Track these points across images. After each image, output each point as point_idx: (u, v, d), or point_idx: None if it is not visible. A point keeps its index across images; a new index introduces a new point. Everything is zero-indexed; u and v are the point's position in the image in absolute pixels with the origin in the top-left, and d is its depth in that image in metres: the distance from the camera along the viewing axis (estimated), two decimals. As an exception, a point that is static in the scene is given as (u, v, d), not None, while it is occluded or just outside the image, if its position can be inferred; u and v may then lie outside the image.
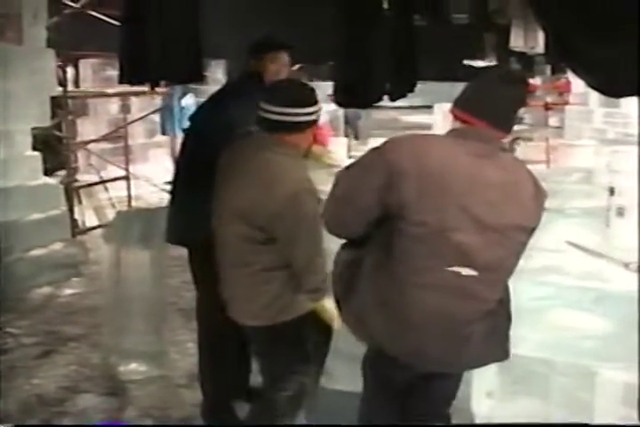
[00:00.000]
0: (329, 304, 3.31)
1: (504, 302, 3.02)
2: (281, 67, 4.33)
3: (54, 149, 9.03)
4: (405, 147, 2.84)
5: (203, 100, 4.79)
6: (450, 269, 2.78)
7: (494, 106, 2.84)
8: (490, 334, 2.95)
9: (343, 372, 3.87)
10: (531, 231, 2.86)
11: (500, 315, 3.01)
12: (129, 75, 5.38)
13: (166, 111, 11.93)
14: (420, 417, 3.27)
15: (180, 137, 11.94)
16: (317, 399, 3.81)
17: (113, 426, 4.37)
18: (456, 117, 2.90)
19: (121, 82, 5.62)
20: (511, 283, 3.51)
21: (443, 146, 2.85)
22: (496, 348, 3.04)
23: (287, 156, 3.34)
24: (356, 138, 15.24)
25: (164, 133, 12.53)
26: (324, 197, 3.09)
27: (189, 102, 11.88)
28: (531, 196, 2.84)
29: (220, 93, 4.45)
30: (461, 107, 2.89)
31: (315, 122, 3.43)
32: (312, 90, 3.50)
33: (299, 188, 3.23)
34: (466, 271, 2.78)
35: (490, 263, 2.81)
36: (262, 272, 3.37)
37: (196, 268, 4.31)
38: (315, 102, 3.41)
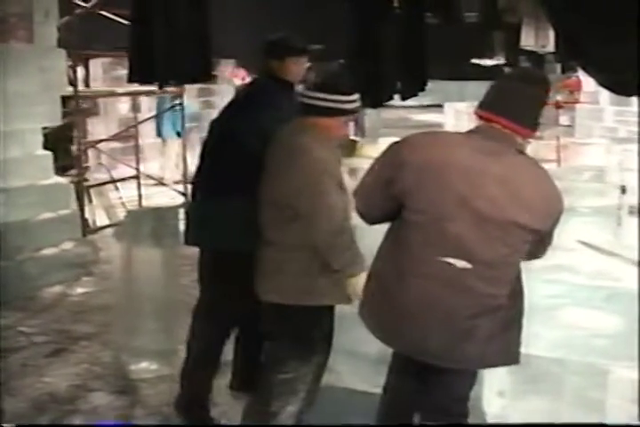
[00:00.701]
0: (357, 280, 3.40)
1: (517, 303, 3.02)
2: (302, 68, 4.38)
3: (65, 148, 9.05)
4: (412, 140, 3.00)
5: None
6: (444, 259, 2.84)
7: (515, 103, 2.90)
8: (498, 334, 2.96)
9: (349, 369, 3.87)
10: (535, 232, 2.86)
11: (512, 316, 3.01)
12: (138, 74, 5.40)
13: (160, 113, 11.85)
14: (429, 414, 3.30)
15: (170, 139, 11.95)
16: (323, 397, 3.81)
17: (113, 426, 4.37)
18: (480, 118, 2.97)
19: (130, 81, 5.64)
20: (522, 281, 3.53)
21: (450, 140, 3.00)
22: (504, 349, 3.02)
23: (315, 137, 3.52)
24: (362, 136, 15.21)
25: (159, 135, 12.42)
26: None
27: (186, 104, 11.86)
28: (540, 198, 2.84)
29: (245, 97, 4.41)
30: (484, 106, 2.97)
31: (346, 111, 3.61)
32: (348, 81, 3.79)
33: (319, 167, 3.41)
34: (460, 264, 2.83)
35: (487, 258, 2.84)
36: (286, 251, 3.53)
37: (204, 269, 4.37)
38: (347, 93, 3.59)
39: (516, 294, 3.03)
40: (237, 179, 4.13)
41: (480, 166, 2.82)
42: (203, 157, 4.44)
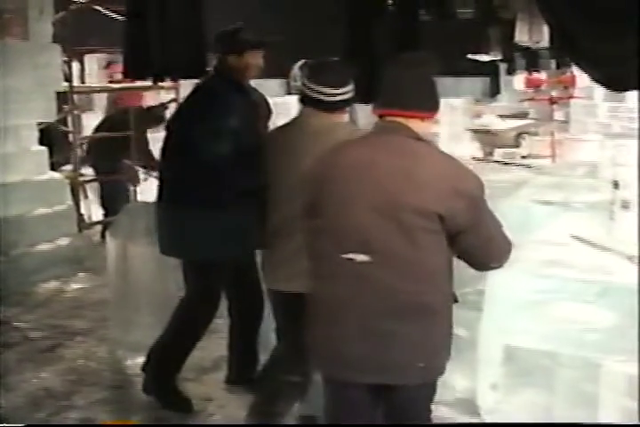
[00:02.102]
0: None
1: (443, 310, 2.89)
2: (260, 63, 4.35)
3: (60, 143, 9.04)
4: (315, 162, 3.03)
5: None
6: (345, 256, 2.78)
7: (399, 92, 2.89)
8: (423, 342, 2.83)
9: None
10: (434, 216, 2.72)
11: (441, 323, 2.90)
12: (133, 70, 5.40)
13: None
14: None
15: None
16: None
17: (113, 426, 4.39)
18: (379, 116, 2.96)
19: (125, 77, 5.64)
20: (515, 276, 3.55)
21: (343, 145, 3.02)
22: (418, 361, 2.85)
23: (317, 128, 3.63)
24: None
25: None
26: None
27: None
28: (434, 179, 2.74)
29: (199, 95, 4.38)
30: (376, 105, 2.98)
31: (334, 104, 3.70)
32: (338, 73, 3.82)
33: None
34: (360, 257, 2.77)
35: (386, 248, 2.75)
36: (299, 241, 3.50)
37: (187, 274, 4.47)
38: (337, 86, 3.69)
39: (444, 298, 2.90)
40: (198, 186, 4.17)
41: (370, 158, 2.81)
42: (163, 159, 4.44)
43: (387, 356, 2.80)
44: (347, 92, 3.73)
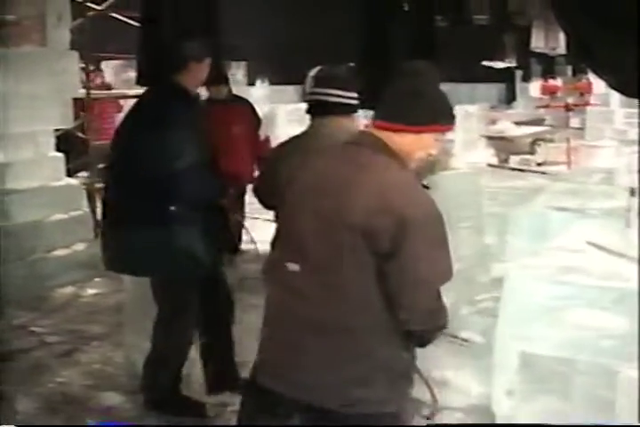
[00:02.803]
0: None
1: (372, 340, 2.58)
2: (206, 72, 4.34)
3: (77, 149, 9.09)
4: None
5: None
6: (285, 263, 2.63)
7: (378, 102, 2.73)
8: (341, 367, 2.57)
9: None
10: (357, 232, 2.48)
11: (365, 352, 2.57)
12: (147, 76, 5.43)
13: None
14: None
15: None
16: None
17: (114, 426, 4.40)
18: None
19: (139, 83, 5.67)
20: (531, 282, 3.55)
21: (316, 150, 2.88)
22: (349, 386, 2.58)
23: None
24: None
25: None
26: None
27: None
28: (372, 194, 2.49)
29: (148, 112, 4.25)
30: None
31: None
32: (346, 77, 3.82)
33: None
34: (292, 267, 2.61)
35: (314, 257, 2.56)
36: None
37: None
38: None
39: (376, 328, 2.57)
40: (144, 205, 4.15)
41: (324, 166, 2.68)
42: (110, 177, 4.47)
43: (305, 373, 2.60)
44: (354, 97, 3.71)
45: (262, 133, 7.44)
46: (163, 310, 4.46)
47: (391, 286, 2.50)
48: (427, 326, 2.61)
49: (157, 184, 4.07)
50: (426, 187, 2.80)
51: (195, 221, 4.19)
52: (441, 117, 2.71)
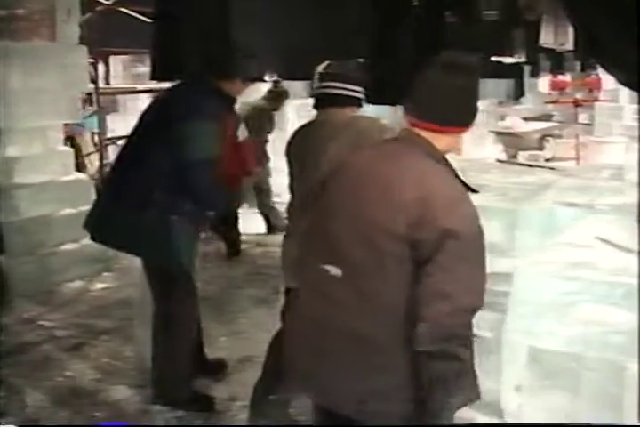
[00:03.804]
0: None
1: (393, 354, 2.53)
2: (243, 91, 4.60)
3: (85, 144, 9.12)
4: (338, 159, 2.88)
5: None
6: (323, 266, 2.58)
7: (423, 98, 2.60)
8: (360, 376, 2.55)
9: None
10: (402, 241, 2.44)
11: (383, 366, 2.55)
12: (161, 71, 5.43)
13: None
14: None
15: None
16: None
17: (114, 426, 4.42)
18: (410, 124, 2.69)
19: (153, 78, 5.67)
20: (540, 277, 3.54)
21: (366, 150, 2.80)
22: (367, 398, 2.56)
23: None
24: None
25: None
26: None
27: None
28: (416, 203, 2.43)
29: (183, 106, 4.29)
30: (405, 110, 2.69)
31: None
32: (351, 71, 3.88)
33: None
34: (334, 270, 2.54)
35: (354, 262, 2.51)
36: None
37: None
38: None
39: (397, 342, 2.51)
40: (150, 189, 4.26)
41: (369, 169, 2.59)
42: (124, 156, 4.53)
43: (327, 377, 2.60)
44: (358, 90, 3.78)
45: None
46: (160, 305, 4.49)
47: (416, 294, 2.43)
48: (436, 345, 2.41)
49: (172, 172, 4.17)
50: (474, 191, 2.70)
51: (194, 217, 4.33)
52: (475, 116, 2.65)
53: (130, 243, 4.35)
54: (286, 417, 4.09)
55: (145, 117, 4.48)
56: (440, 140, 2.60)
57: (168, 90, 4.62)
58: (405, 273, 2.45)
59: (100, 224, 4.50)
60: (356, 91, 3.75)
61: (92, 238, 4.69)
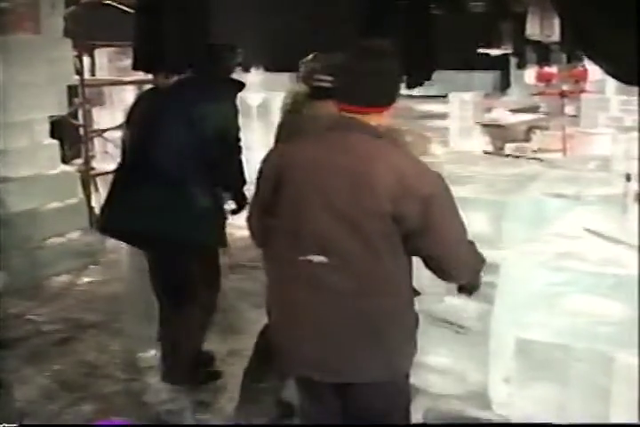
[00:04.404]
0: None
1: (402, 310, 2.85)
2: None
3: (71, 137, 9.07)
4: (271, 154, 2.99)
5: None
6: (303, 258, 2.72)
7: (347, 83, 2.79)
8: (378, 342, 2.79)
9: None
10: (386, 218, 2.64)
11: (396, 323, 2.83)
12: (143, 62, 5.40)
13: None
14: None
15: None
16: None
17: (113, 425, 4.42)
18: (339, 110, 2.84)
19: (135, 68, 5.64)
20: (528, 268, 3.55)
21: (304, 142, 2.96)
22: (375, 360, 2.82)
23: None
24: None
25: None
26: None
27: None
28: (387, 179, 2.62)
29: (196, 92, 4.45)
30: (334, 97, 2.86)
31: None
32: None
33: None
34: (317, 259, 2.70)
35: (342, 250, 2.69)
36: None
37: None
38: None
39: (402, 299, 2.85)
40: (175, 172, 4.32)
41: (324, 157, 2.73)
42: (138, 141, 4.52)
43: (342, 356, 2.79)
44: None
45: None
46: (165, 294, 4.54)
47: (432, 256, 2.77)
48: (474, 275, 3.00)
49: (200, 153, 4.29)
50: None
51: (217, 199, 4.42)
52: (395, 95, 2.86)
53: (166, 227, 4.29)
54: (275, 403, 4.13)
55: (163, 104, 4.52)
56: (370, 120, 2.78)
57: (181, 80, 4.77)
58: (392, 245, 2.70)
59: (126, 214, 4.42)
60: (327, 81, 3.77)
61: (112, 232, 4.68)
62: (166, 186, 4.28)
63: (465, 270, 2.93)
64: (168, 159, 4.27)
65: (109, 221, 4.55)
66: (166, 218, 4.26)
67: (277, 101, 10.19)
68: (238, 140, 4.45)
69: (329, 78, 3.69)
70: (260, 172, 2.94)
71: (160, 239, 4.33)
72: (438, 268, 2.83)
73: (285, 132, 3.94)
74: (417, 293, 2.98)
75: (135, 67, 5.48)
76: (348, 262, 2.69)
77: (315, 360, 2.82)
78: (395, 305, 2.80)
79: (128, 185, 4.46)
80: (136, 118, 4.59)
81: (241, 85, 4.60)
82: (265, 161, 2.95)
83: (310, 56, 4.28)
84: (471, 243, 2.92)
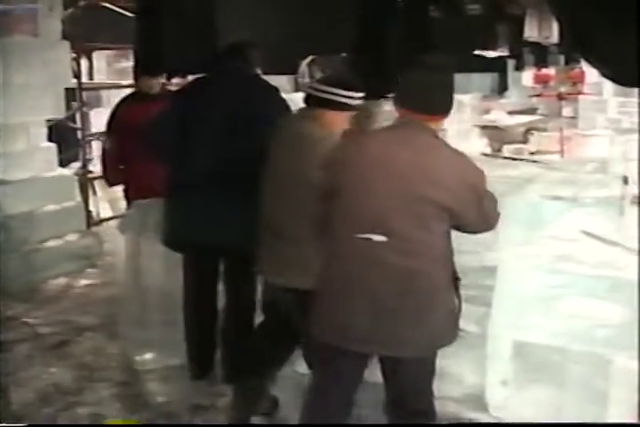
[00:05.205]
0: None
1: (448, 288, 3.12)
2: None
3: (69, 140, 9.05)
4: (339, 145, 3.32)
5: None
6: (363, 235, 3.01)
7: (420, 95, 3.10)
8: (426, 315, 3.04)
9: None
10: (446, 209, 2.99)
11: (440, 296, 3.09)
12: (144, 65, 5.40)
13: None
14: (391, 415, 3.33)
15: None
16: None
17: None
18: (400, 114, 3.17)
19: (137, 73, 5.64)
20: (525, 271, 3.55)
21: (369, 136, 3.29)
22: (422, 335, 3.07)
23: (322, 129, 3.69)
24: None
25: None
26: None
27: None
28: (451, 176, 2.99)
29: (217, 88, 4.39)
30: (398, 105, 3.18)
31: (353, 107, 3.77)
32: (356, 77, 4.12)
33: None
34: (377, 238, 2.99)
35: (401, 230, 2.99)
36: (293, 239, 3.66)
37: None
38: (357, 89, 3.77)
39: (448, 278, 3.14)
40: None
41: (392, 149, 3.05)
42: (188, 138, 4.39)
43: (393, 330, 3.02)
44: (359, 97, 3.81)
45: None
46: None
47: (477, 232, 3.26)
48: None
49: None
50: None
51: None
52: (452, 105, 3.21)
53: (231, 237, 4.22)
54: (265, 398, 4.18)
55: (220, 105, 4.38)
56: (429, 124, 3.13)
57: (214, 79, 4.57)
58: (443, 228, 3.05)
59: (202, 225, 4.32)
60: (345, 96, 3.74)
61: (179, 246, 4.57)
62: (240, 195, 4.18)
63: (496, 224, 3.31)
64: (243, 166, 4.19)
65: (184, 234, 4.47)
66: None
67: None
68: None
69: (355, 95, 3.71)
70: (328, 160, 3.23)
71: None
72: (475, 231, 3.27)
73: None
74: (458, 278, 3.20)
75: (137, 71, 5.47)
76: (406, 242, 3.00)
77: (366, 334, 3.04)
78: (442, 284, 3.09)
79: (199, 196, 4.35)
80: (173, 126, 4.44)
81: None
82: (334, 151, 3.25)
83: (308, 59, 4.28)
84: (494, 200, 3.26)
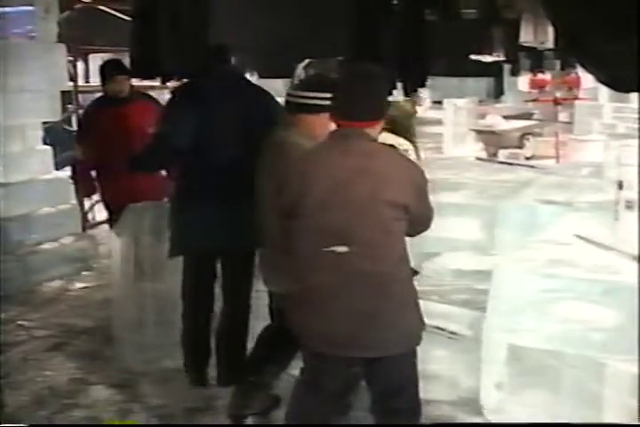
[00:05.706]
0: None
1: (409, 283, 3.25)
2: None
3: (64, 143, 9.05)
4: (288, 164, 3.36)
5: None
6: (329, 249, 3.10)
7: (346, 102, 3.21)
8: (400, 316, 3.17)
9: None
10: (401, 207, 3.09)
11: (408, 297, 3.24)
12: (139, 69, 5.39)
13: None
14: (376, 414, 3.40)
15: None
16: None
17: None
18: (337, 124, 3.26)
19: (132, 76, 5.63)
20: (520, 275, 3.56)
21: (314, 151, 3.32)
22: (408, 332, 3.22)
23: (299, 134, 3.73)
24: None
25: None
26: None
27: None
28: (399, 176, 3.13)
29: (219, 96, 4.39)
30: (334, 115, 3.27)
31: (325, 107, 3.63)
32: (334, 78, 4.02)
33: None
34: (340, 249, 3.08)
35: (365, 239, 3.08)
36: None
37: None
38: (323, 90, 3.71)
39: (408, 275, 3.26)
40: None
41: (338, 161, 3.13)
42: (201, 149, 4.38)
43: (372, 333, 3.12)
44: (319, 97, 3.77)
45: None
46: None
47: (421, 231, 3.36)
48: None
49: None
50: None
51: None
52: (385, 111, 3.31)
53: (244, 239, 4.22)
54: (266, 396, 4.18)
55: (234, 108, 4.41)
56: (368, 131, 3.22)
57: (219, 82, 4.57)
58: (402, 228, 3.16)
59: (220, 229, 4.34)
60: (313, 97, 3.77)
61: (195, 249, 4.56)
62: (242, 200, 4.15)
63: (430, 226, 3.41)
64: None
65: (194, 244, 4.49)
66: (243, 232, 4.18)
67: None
68: None
69: (327, 96, 3.66)
70: (281, 180, 3.32)
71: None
72: (418, 231, 3.36)
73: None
74: (416, 272, 3.36)
75: (133, 74, 5.46)
76: (369, 248, 3.09)
77: (344, 339, 3.14)
78: (407, 280, 3.23)
79: (213, 200, 4.36)
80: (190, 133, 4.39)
81: None
82: (286, 170, 3.32)
83: (304, 63, 4.28)
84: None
